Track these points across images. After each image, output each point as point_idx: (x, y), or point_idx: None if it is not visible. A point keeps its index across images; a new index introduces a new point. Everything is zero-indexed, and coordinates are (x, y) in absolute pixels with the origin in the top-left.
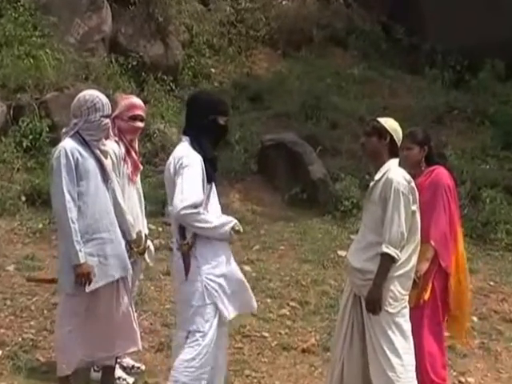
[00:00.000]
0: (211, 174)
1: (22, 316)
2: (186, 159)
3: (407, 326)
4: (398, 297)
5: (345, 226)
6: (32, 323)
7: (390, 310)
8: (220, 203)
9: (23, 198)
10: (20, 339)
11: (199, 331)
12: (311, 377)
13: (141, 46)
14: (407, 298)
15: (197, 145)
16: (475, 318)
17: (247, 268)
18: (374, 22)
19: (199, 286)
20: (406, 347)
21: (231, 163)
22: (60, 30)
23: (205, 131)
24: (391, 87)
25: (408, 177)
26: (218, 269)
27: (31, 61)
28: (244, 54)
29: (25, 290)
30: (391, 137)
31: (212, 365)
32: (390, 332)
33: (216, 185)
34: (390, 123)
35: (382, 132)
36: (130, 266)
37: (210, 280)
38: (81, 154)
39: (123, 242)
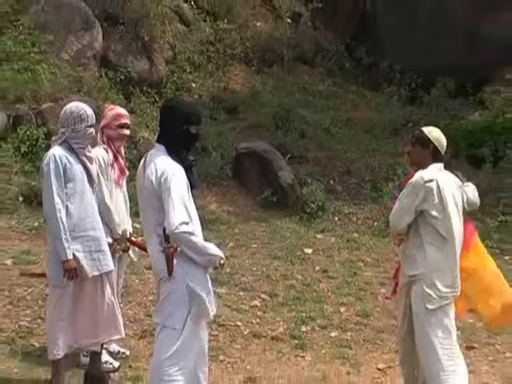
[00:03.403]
0: (192, 180)
1: (19, 305)
2: (170, 172)
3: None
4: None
5: (311, 226)
6: (27, 312)
7: (429, 307)
8: (198, 205)
9: (20, 199)
10: (16, 326)
11: (174, 328)
12: (279, 362)
13: (128, 62)
14: (449, 295)
15: (175, 155)
16: None
17: None
18: (338, 43)
19: (182, 287)
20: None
21: (209, 169)
22: (56, 47)
23: (179, 141)
24: (353, 102)
25: (429, 177)
26: (203, 269)
27: (29, 74)
28: (221, 70)
29: (21, 282)
30: (434, 146)
31: (193, 359)
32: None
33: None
34: (433, 133)
35: (425, 141)
36: (112, 262)
37: (194, 282)
38: (68, 160)
39: (108, 239)
